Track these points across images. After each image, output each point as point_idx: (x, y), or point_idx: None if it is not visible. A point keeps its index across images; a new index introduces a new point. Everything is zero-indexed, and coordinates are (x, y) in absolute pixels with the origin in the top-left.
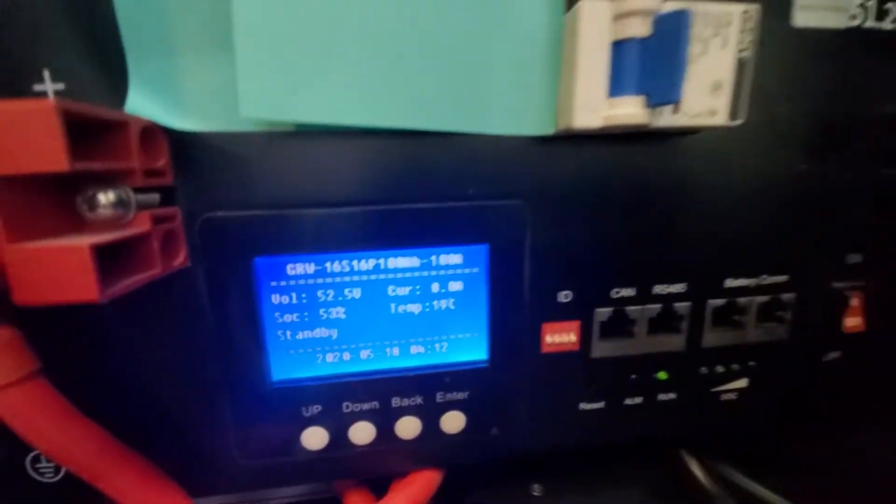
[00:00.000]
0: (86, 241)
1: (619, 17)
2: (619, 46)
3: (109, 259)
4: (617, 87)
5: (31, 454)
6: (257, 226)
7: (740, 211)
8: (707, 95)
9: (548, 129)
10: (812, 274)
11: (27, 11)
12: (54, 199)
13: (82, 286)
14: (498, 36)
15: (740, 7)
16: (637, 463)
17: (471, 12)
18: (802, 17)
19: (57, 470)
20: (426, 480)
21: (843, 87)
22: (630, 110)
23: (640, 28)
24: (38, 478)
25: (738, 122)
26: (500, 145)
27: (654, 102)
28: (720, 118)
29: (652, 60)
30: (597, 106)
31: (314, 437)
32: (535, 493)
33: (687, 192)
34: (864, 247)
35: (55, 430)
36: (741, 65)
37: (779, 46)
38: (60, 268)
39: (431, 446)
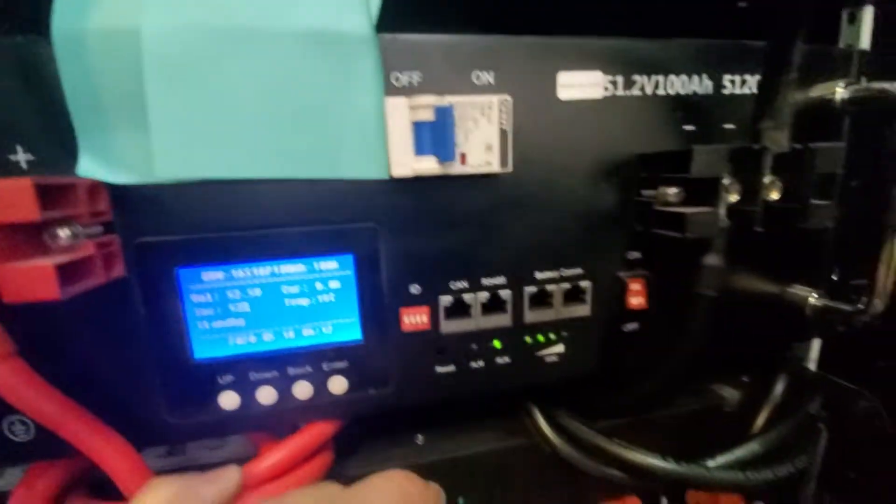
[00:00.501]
0: (49, 261)
1: (413, 107)
2: (416, 124)
3: (67, 271)
4: (419, 149)
5: (7, 419)
6: (179, 246)
7: (543, 223)
8: (483, 153)
9: (384, 175)
10: (601, 266)
11: (4, 100)
12: (28, 234)
13: (48, 290)
14: (345, 111)
15: (499, 98)
16: (498, 413)
17: (324, 94)
18: (565, 94)
19: (27, 431)
20: (320, 429)
21: (609, 135)
22: (428, 164)
23: (427, 114)
24: (13, 438)
25: (508, 170)
26: (355, 185)
27: (442, 160)
28: (494, 167)
29: (436, 134)
30: (407, 161)
31: (228, 400)
32: (418, 442)
33: (500, 212)
34: (640, 246)
35: (32, 394)
36: (503, 133)
37: (552, 113)
38: (34, 278)
39: (322, 404)
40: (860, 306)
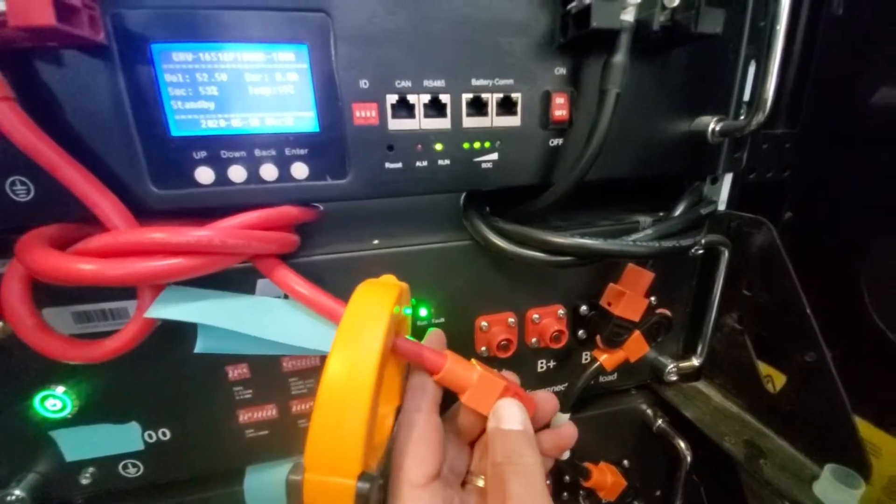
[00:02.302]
0: None
1: None
2: None
3: (60, 8)
4: None
5: (9, 180)
6: (152, 22)
7: (476, 31)
8: None
9: None
10: (532, 79)
11: None
12: None
13: (46, 15)
14: None
15: None
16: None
17: None
18: None
19: (28, 192)
20: (287, 210)
21: None
22: None
23: None
24: (14, 198)
25: None
26: None
27: None
28: None
29: None
30: None
31: (204, 175)
32: (375, 242)
33: (439, 13)
34: (567, 64)
35: (29, 134)
36: None
37: None
38: (34, 4)
39: (287, 187)
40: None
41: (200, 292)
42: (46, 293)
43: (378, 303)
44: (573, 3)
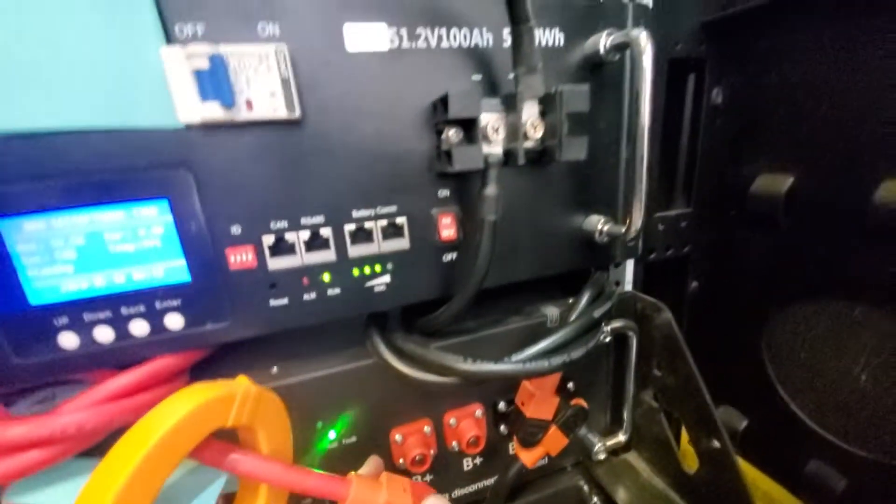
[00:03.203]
0: None
1: (189, 56)
2: (196, 73)
3: None
4: (203, 96)
5: None
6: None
7: (352, 166)
8: (268, 99)
9: (174, 123)
10: (416, 204)
11: None
12: None
13: None
14: (130, 62)
15: (275, 46)
16: (348, 337)
17: (108, 46)
18: (352, 47)
19: None
20: (161, 361)
21: (403, 84)
22: (212, 110)
23: (202, 63)
24: None
25: (296, 115)
26: (161, 133)
27: (225, 105)
28: (281, 113)
29: (213, 81)
30: (193, 108)
31: (67, 340)
32: (273, 372)
33: (305, 157)
34: (450, 185)
35: None
36: (285, 81)
37: (343, 64)
38: None
39: (162, 339)
40: (625, 228)
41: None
42: None
43: (148, 428)
44: (443, 139)
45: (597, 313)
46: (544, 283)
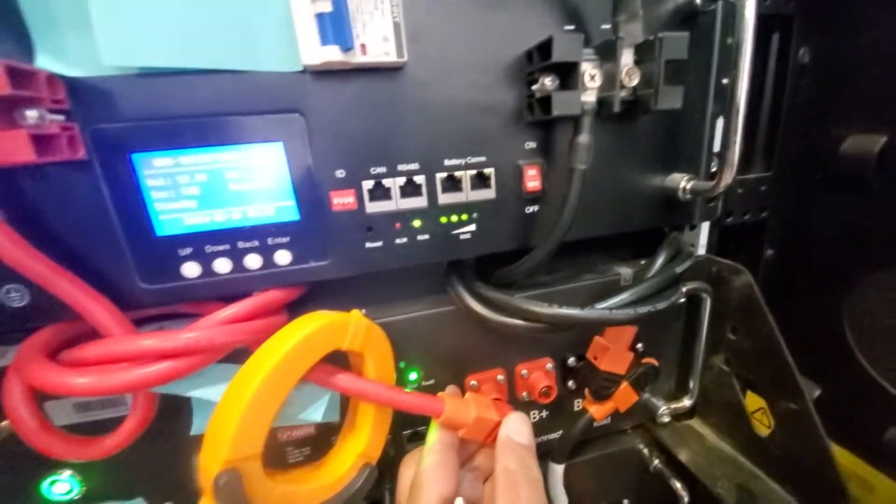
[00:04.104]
0: (21, 134)
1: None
2: (318, 16)
3: (39, 142)
4: (323, 40)
5: (4, 288)
6: (130, 134)
7: (448, 116)
8: (381, 44)
9: (296, 66)
10: (503, 155)
11: None
12: (3, 111)
13: (25, 153)
14: (257, 6)
15: None
16: (428, 285)
17: None
18: None
19: (21, 298)
20: (268, 294)
21: (502, 34)
22: (332, 53)
23: (325, 6)
24: (9, 304)
25: (403, 59)
26: (281, 77)
27: (343, 48)
28: (391, 57)
29: (334, 24)
30: (314, 51)
31: (190, 269)
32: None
33: (407, 105)
34: (537, 138)
35: (18, 251)
36: (396, 25)
37: (445, 12)
38: (13, 143)
39: (271, 273)
40: (714, 183)
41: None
42: None
43: (284, 338)
44: (536, 88)
45: (678, 269)
46: (615, 245)
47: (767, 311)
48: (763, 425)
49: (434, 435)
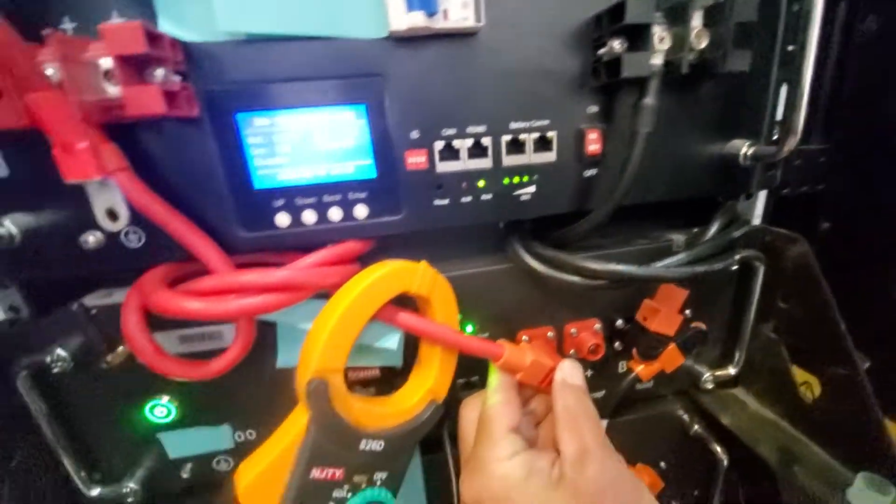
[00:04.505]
0: (155, 88)
1: None
2: None
3: (166, 96)
4: (409, 6)
5: (123, 230)
6: (235, 95)
7: (515, 80)
8: (461, 9)
9: (383, 32)
10: (566, 118)
11: None
12: (138, 68)
13: (157, 106)
14: None
15: None
16: (489, 239)
17: None
18: None
19: (139, 239)
20: (346, 245)
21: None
22: (418, 18)
23: None
24: (128, 245)
25: (482, 24)
26: (365, 43)
27: (428, 13)
28: (470, 21)
29: None
30: (401, 17)
31: (282, 219)
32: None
33: (478, 69)
34: (599, 102)
35: (145, 197)
36: None
37: None
38: (147, 96)
39: (351, 226)
40: (778, 148)
41: None
42: (155, 320)
43: (363, 277)
44: (604, 51)
45: (735, 233)
46: (668, 214)
47: (823, 280)
48: (809, 393)
49: (496, 377)
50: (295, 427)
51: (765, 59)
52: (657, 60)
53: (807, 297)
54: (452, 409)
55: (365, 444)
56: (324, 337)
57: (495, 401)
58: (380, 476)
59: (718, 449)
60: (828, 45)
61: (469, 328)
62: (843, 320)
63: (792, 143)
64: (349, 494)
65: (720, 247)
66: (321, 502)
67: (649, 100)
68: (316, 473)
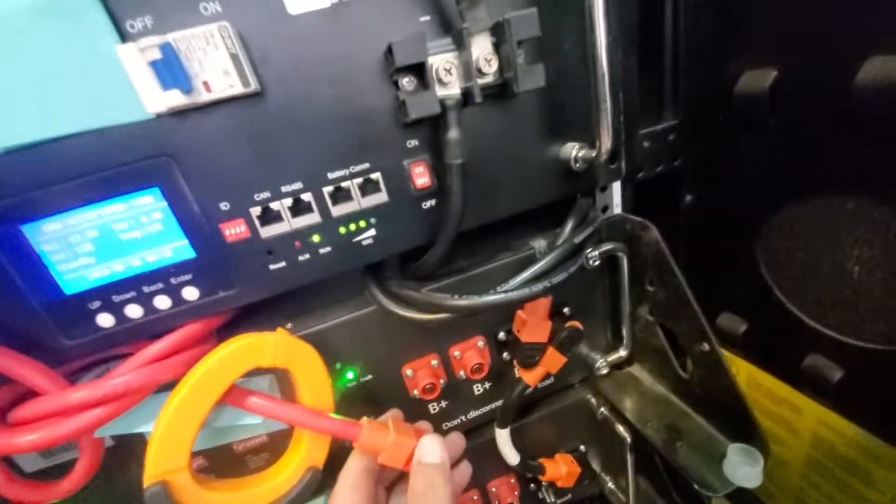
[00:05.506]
0: None
1: (142, 49)
2: (152, 64)
3: None
4: (164, 85)
5: None
6: (14, 208)
7: (319, 130)
8: (224, 77)
9: (144, 115)
10: (387, 157)
11: None
12: None
13: None
14: (91, 65)
15: (218, 25)
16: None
17: (68, 54)
18: (293, 9)
19: None
20: (189, 328)
21: (353, 39)
22: (175, 97)
23: (155, 54)
24: None
25: (252, 88)
26: (135, 128)
27: (185, 91)
28: (238, 88)
29: (169, 69)
30: (157, 98)
31: (104, 319)
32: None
33: (274, 127)
34: (418, 134)
35: None
36: (234, 56)
37: (290, 28)
38: None
39: (183, 309)
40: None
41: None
42: None
43: (202, 363)
44: (399, 92)
45: (577, 239)
46: (536, 216)
47: (673, 264)
48: (685, 370)
49: (351, 460)
50: None
51: (579, 56)
52: (452, 91)
53: (664, 280)
54: (339, 464)
55: None
56: (156, 438)
57: (340, 485)
58: None
59: (621, 429)
60: (663, 19)
61: (350, 374)
62: (717, 288)
63: (607, 142)
64: None
65: (566, 254)
66: None
67: (451, 134)
68: None
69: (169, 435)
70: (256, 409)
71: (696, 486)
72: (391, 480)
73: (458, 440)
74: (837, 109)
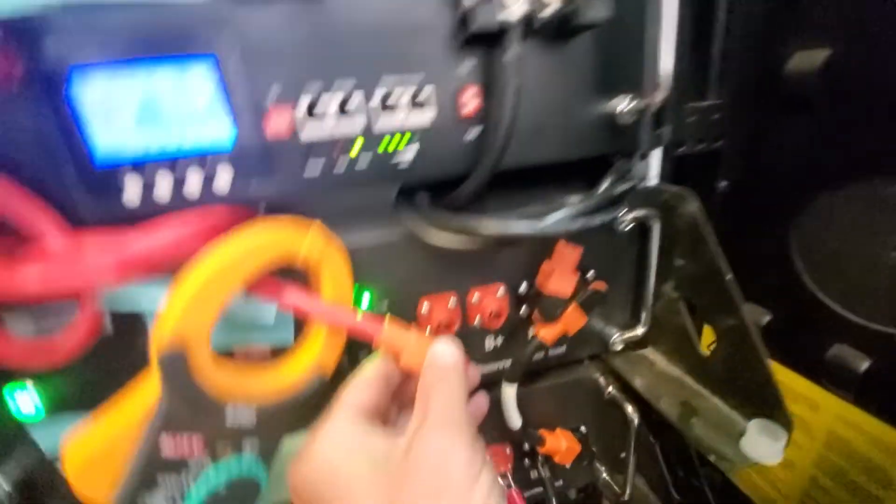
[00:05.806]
0: None
1: None
2: None
3: None
4: None
5: None
6: (67, 52)
7: (381, 40)
8: None
9: None
10: (440, 77)
11: None
12: None
13: None
14: None
15: None
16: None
17: None
18: None
19: None
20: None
21: None
22: None
23: None
24: None
25: None
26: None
27: None
28: None
29: None
30: None
31: (131, 193)
32: None
33: (337, 24)
34: (476, 58)
35: None
36: None
37: None
38: None
39: (215, 196)
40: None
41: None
42: None
43: (241, 236)
44: (463, 5)
45: (618, 190)
46: (572, 178)
47: (711, 233)
48: (707, 347)
49: (370, 363)
50: (144, 398)
51: (636, 11)
52: (509, 16)
53: (696, 251)
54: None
55: (233, 419)
56: (183, 300)
57: (352, 380)
58: (250, 446)
59: (630, 409)
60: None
61: (365, 297)
62: (743, 277)
63: (658, 94)
64: (210, 471)
65: (602, 203)
66: (174, 479)
67: (510, 54)
68: (168, 451)
69: (199, 299)
70: (289, 301)
71: (711, 459)
72: (404, 402)
73: (473, 370)
74: (890, 90)
